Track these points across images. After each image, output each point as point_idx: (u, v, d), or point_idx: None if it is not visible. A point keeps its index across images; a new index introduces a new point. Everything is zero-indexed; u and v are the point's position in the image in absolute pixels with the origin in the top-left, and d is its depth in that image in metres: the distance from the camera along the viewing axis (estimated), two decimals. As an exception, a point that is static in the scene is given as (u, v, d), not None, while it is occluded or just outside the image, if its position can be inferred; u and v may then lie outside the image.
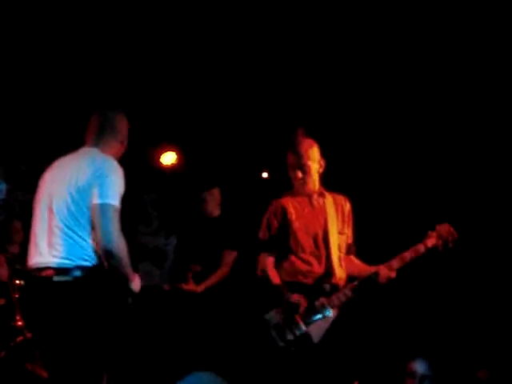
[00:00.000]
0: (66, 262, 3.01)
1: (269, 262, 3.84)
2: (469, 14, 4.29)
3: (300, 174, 3.83)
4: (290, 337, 3.63)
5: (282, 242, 3.85)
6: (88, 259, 3.02)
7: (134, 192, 7.21)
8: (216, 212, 5.24)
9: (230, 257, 5.06)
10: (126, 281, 3.08)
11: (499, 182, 5.23)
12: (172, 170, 6.66)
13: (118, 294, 3.10)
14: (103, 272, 3.03)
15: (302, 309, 3.63)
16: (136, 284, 3.13)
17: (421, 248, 3.77)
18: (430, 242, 3.79)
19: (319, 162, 3.88)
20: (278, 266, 3.86)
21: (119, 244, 2.98)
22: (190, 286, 4.92)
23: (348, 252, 3.96)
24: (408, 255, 3.75)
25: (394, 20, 4.55)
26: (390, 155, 5.61)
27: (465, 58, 4.71)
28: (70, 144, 3.39)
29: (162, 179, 7.03)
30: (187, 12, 4.88)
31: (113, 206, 2.98)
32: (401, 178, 5.58)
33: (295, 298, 3.65)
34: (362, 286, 3.73)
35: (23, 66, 5.51)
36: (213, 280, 4.98)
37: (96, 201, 2.99)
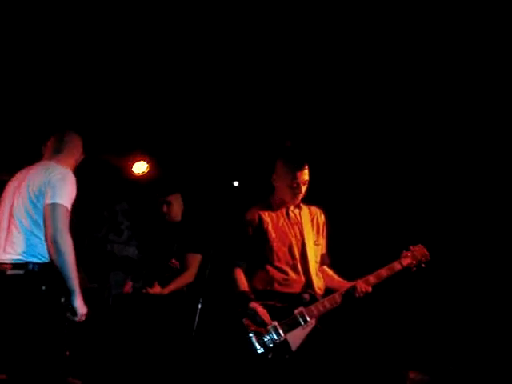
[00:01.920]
0: (21, 258, 3.40)
1: (238, 268, 3.88)
2: (469, 14, 4.32)
3: (303, 189, 3.92)
4: (268, 343, 3.66)
5: (257, 251, 3.89)
6: (41, 256, 3.41)
7: (105, 201, 7.18)
8: (179, 217, 5.29)
9: (195, 260, 5.09)
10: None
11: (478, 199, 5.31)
12: (143, 179, 6.63)
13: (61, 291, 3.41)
14: (53, 269, 3.37)
15: (265, 319, 3.67)
16: (80, 305, 3.40)
17: (397, 266, 3.94)
18: (405, 261, 3.96)
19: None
20: (252, 274, 3.91)
21: (66, 241, 3.32)
22: (156, 289, 4.94)
23: (322, 262, 4.04)
24: (384, 272, 3.89)
25: (393, 24, 4.56)
26: (370, 169, 5.66)
27: (465, 59, 4.73)
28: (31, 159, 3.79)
29: (132, 188, 7.00)
30: (157, 20, 4.86)
31: (62, 205, 3.36)
32: (379, 193, 5.64)
33: (254, 307, 3.70)
34: (341, 298, 3.81)
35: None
36: (178, 283, 5.02)
37: (47, 201, 3.38)
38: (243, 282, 3.83)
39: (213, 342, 4.85)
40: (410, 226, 5.26)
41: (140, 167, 6.52)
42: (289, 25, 4.63)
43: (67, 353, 4.72)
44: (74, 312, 3.40)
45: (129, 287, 5.18)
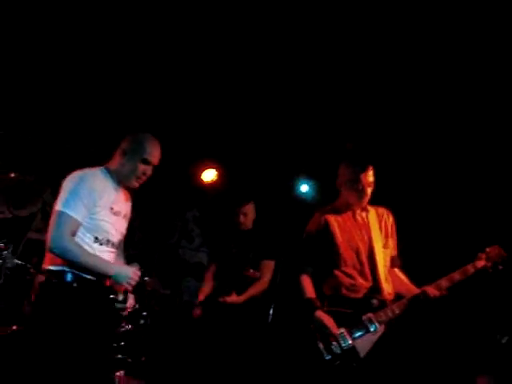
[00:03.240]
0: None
1: (305, 274, 3.85)
2: (469, 14, 4.21)
3: (369, 190, 3.86)
4: (336, 350, 3.61)
5: (324, 256, 3.85)
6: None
7: (176, 209, 7.30)
8: (251, 225, 5.33)
9: (269, 267, 5.13)
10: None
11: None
12: (213, 186, 6.70)
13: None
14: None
15: (331, 330, 3.62)
16: (125, 271, 3.37)
17: (470, 269, 3.78)
18: (480, 263, 3.81)
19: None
20: (321, 279, 3.87)
21: (66, 248, 3.20)
22: (233, 298, 4.97)
23: (393, 265, 3.94)
24: (457, 276, 3.75)
25: (395, 29, 4.50)
26: (443, 170, 5.52)
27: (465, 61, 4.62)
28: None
29: (203, 196, 7.09)
30: (220, 32, 4.91)
31: (64, 213, 3.23)
32: (453, 195, 5.49)
33: (319, 316, 3.66)
34: (410, 304, 3.71)
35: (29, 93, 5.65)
36: (254, 290, 5.03)
37: (54, 207, 3.31)
38: (309, 289, 3.79)
39: (284, 348, 4.84)
40: (487, 227, 5.08)
41: (209, 175, 6.60)
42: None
43: (143, 358, 4.81)
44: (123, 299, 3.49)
45: (199, 312, 5.23)
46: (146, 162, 3.47)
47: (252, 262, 5.12)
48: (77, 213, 3.25)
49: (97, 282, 3.32)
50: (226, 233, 5.48)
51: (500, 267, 3.82)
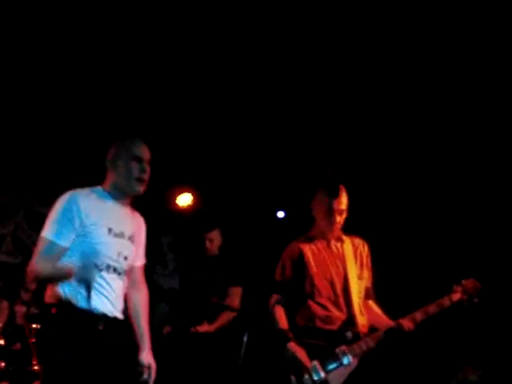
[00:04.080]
0: None
1: (278, 304, 3.78)
2: (469, 14, 4.24)
3: (338, 218, 3.80)
4: (308, 383, 3.54)
5: (298, 286, 3.79)
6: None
7: (151, 234, 7.20)
8: (217, 251, 5.30)
9: (237, 293, 5.07)
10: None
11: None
12: (188, 211, 6.63)
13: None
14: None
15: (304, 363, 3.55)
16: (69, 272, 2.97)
17: (445, 302, 3.74)
18: (455, 296, 3.77)
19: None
20: (293, 309, 3.79)
21: (38, 270, 2.95)
22: (205, 327, 4.89)
23: (367, 297, 3.89)
24: (432, 309, 3.70)
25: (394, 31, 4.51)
26: (417, 197, 5.52)
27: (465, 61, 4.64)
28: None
29: (177, 221, 7.01)
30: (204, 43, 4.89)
31: (43, 238, 2.97)
32: (429, 225, 5.48)
33: (292, 348, 3.59)
34: (384, 337, 3.66)
35: (38, 105, 5.57)
36: (224, 319, 4.97)
37: None
38: (282, 319, 3.72)
39: (257, 378, 4.75)
40: (462, 259, 5.07)
41: (185, 199, 6.53)
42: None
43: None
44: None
45: (168, 329, 5.16)
46: (136, 158, 3.09)
47: (219, 288, 5.05)
48: (58, 237, 2.93)
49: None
50: (194, 259, 5.43)
51: (475, 300, 3.79)
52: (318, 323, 3.69)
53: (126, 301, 3.15)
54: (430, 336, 4.29)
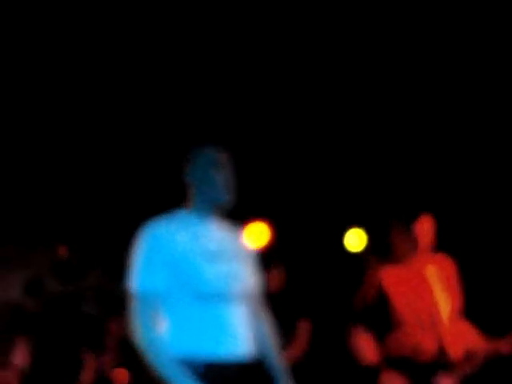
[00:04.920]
0: None
1: (362, 336, 3.58)
2: (469, 14, 4.05)
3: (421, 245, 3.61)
4: None
5: (382, 316, 3.58)
6: None
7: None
8: (279, 286, 5.14)
9: (303, 327, 4.94)
10: None
11: None
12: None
13: None
14: None
15: None
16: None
17: None
18: None
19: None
20: (380, 340, 3.59)
21: (147, 344, 2.39)
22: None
23: (457, 318, 3.62)
24: None
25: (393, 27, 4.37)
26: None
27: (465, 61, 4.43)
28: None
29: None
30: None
31: (135, 291, 2.43)
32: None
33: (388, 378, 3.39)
34: (481, 362, 3.43)
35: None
36: (293, 352, 4.79)
37: None
38: (370, 351, 3.53)
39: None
40: None
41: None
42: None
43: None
44: None
45: None
46: (216, 165, 2.61)
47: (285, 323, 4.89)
48: (154, 282, 2.39)
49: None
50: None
51: None
52: (408, 353, 3.47)
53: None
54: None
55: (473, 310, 3.69)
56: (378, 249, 3.88)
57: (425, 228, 3.60)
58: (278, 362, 2.64)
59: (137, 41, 4.82)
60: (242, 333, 2.44)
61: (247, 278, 2.57)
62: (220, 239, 2.57)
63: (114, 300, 6.06)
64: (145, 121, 5.57)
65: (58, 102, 5.35)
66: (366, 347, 3.55)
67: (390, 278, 3.62)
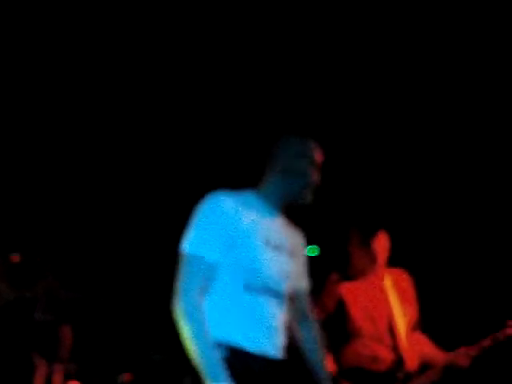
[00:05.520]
0: None
1: None
2: (469, 14, 4.16)
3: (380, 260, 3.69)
4: None
5: (339, 326, 3.65)
6: None
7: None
8: None
9: None
10: None
11: None
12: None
13: None
14: None
15: None
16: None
17: (500, 337, 3.57)
18: (510, 331, 3.59)
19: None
20: (337, 350, 3.64)
21: (188, 315, 2.20)
22: None
23: (413, 330, 3.71)
24: (487, 344, 3.55)
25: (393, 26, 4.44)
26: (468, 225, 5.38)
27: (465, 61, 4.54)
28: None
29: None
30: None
31: (190, 255, 2.24)
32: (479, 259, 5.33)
33: None
34: (438, 375, 3.51)
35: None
36: None
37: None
38: (327, 362, 3.56)
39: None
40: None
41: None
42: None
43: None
44: None
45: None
46: (314, 163, 2.48)
47: None
48: (206, 250, 2.23)
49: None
50: None
51: None
52: (364, 364, 3.53)
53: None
54: (486, 372, 4.10)
55: (428, 322, 3.80)
56: (337, 263, 3.93)
57: (382, 244, 3.69)
58: (322, 366, 2.59)
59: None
60: (277, 331, 2.33)
61: (299, 279, 2.50)
62: (281, 232, 2.45)
63: (66, 307, 5.99)
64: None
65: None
66: None
67: (349, 290, 3.69)
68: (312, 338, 2.59)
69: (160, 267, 5.48)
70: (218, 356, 2.12)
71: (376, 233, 3.68)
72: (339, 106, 5.12)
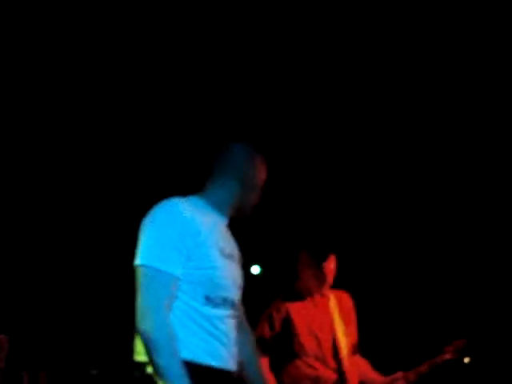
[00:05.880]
0: None
1: (264, 363, 3.60)
2: (469, 14, 4.21)
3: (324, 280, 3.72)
4: None
5: (284, 344, 3.66)
6: None
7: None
8: None
9: None
10: None
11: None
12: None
13: None
14: None
15: None
16: None
17: (437, 362, 3.75)
18: (447, 356, 3.78)
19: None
20: (279, 369, 3.66)
21: (158, 332, 2.08)
22: None
23: (353, 352, 3.78)
24: (424, 369, 3.71)
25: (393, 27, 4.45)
26: (409, 249, 5.47)
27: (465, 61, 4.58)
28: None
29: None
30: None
31: (152, 268, 2.08)
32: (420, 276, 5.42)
33: None
34: None
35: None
36: None
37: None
38: (270, 378, 3.56)
39: None
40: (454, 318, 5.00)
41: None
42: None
43: None
44: None
45: None
46: (261, 171, 2.42)
47: None
48: (173, 264, 2.08)
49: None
50: None
51: (466, 360, 3.81)
52: (306, 383, 3.56)
53: None
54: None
55: (367, 345, 3.87)
56: (279, 282, 3.94)
57: (331, 266, 3.74)
58: (258, 369, 2.52)
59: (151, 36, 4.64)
60: (234, 342, 2.27)
61: (241, 285, 2.39)
62: (230, 239, 2.37)
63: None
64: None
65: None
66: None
67: (296, 309, 3.72)
68: (249, 349, 2.49)
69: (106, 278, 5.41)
70: (185, 374, 2.03)
71: (327, 255, 3.72)
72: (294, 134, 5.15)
